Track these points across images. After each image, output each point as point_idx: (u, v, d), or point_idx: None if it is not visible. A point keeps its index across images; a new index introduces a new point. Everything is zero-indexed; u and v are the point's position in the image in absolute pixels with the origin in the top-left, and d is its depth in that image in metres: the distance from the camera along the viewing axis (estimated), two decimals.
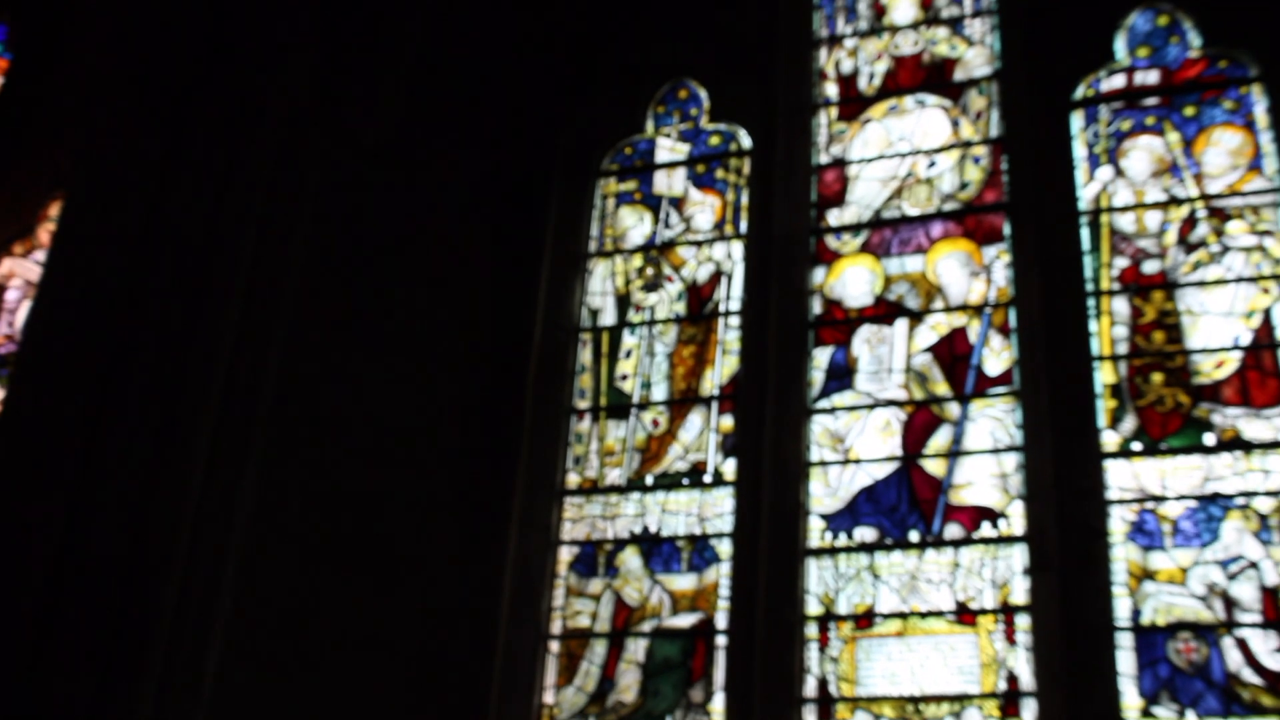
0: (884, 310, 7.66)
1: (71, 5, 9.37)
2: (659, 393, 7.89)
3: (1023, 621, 6.60)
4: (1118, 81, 7.84)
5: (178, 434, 7.07)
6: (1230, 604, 6.35)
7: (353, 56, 8.58)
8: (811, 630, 6.93)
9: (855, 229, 7.95)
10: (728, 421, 7.64)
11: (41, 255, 9.48)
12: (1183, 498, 6.63)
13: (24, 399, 7.44)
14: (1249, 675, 6.19)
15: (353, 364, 8.01)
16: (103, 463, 6.96)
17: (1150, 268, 7.26)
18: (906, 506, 7.09)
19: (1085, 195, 7.53)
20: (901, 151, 8.11)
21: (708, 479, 7.53)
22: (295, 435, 7.78)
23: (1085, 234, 7.40)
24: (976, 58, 8.27)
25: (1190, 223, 7.30)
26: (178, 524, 6.91)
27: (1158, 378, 6.95)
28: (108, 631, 6.65)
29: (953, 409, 7.26)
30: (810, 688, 6.80)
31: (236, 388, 7.37)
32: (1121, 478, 6.75)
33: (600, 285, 8.34)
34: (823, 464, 7.33)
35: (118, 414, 7.07)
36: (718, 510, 7.40)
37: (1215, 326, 7.00)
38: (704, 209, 8.38)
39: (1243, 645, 6.26)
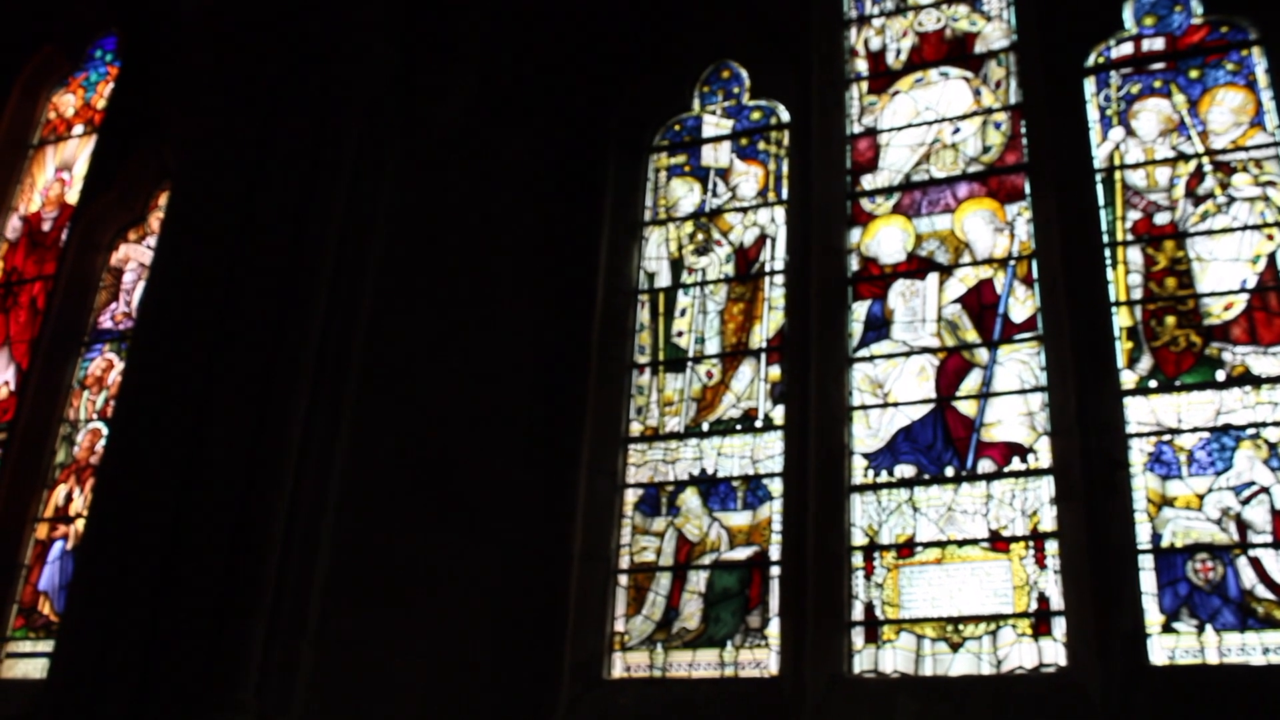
0: (916, 265, 7.52)
1: (173, 16, 9.31)
2: (712, 347, 7.80)
3: (1051, 547, 6.50)
4: (1126, 49, 7.66)
5: (278, 395, 7.07)
6: (1243, 526, 6.22)
7: (426, 52, 8.54)
8: (857, 560, 6.84)
9: (887, 192, 7.81)
10: (776, 371, 7.53)
11: (153, 240, 9.48)
12: (1197, 430, 6.49)
13: (141, 370, 7.44)
14: (1263, 591, 6.07)
15: (433, 329, 7.98)
16: (212, 426, 6.96)
17: (1161, 219, 7.09)
18: (942, 444, 6.97)
19: (1099, 154, 7.36)
20: (928, 120, 7.96)
21: (759, 424, 7.43)
22: (383, 395, 7.76)
23: (1100, 190, 7.24)
24: (994, 31, 8.10)
25: (1198, 176, 7.14)
26: (280, 480, 6.91)
27: (1171, 320, 6.80)
28: (222, 576, 6.68)
29: (982, 354, 7.13)
30: (858, 612, 6.73)
31: (329, 355, 7.37)
32: (1140, 413, 6.61)
33: (655, 251, 8.25)
34: (864, 408, 7.23)
35: (224, 381, 7.06)
36: (769, 452, 7.31)
37: (1223, 271, 6.84)
38: (748, 178, 8.26)
39: (1256, 564, 6.13)
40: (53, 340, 9.39)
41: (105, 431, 8.83)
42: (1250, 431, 6.38)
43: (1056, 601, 6.37)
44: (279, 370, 7.16)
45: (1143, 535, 6.32)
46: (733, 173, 8.32)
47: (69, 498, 8.89)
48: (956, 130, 7.85)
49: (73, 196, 10.09)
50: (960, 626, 6.50)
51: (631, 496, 7.51)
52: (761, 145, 8.32)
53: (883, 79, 8.24)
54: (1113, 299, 6.91)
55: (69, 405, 9.26)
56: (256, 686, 6.61)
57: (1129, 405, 6.63)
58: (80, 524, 8.55)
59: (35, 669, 8.21)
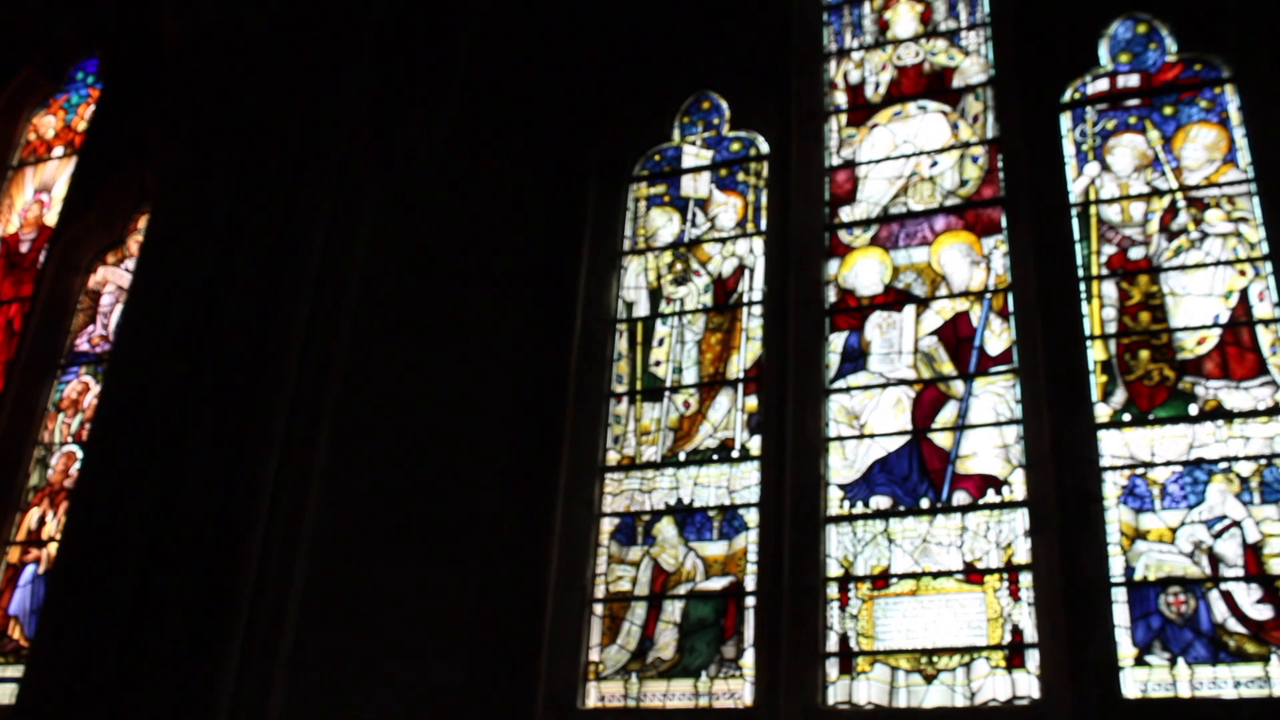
0: (893, 297, 7.56)
1: (155, 39, 9.29)
2: (689, 376, 7.82)
3: (1025, 579, 6.52)
4: (1102, 85, 7.74)
5: (255, 420, 7.02)
6: (1215, 560, 6.25)
7: (408, 80, 8.52)
8: (833, 591, 6.84)
9: (865, 224, 7.86)
10: (752, 402, 7.55)
11: (131, 263, 9.46)
12: (1170, 463, 6.53)
13: (117, 393, 7.39)
14: (1234, 625, 6.10)
15: (412, 356, 7.97)
16: (188, 450, 6.91)
17: (1136, 254, 7.15)
18: (917, 476, 7.00)
19: (1075, 189, 7.42)
20: (906, 153, 8.01)
21: (735, 454, 7.45)
22: (361, 422, 7.73)
23: (1075, 224, 7.31)
24: (972, 66, 8.17)
25: (1171, 212, 7.20)
26: (256, 505, 6.86)
27: (1145, 354, 6.84)
28: (196, 602, 6.62)
29: (958, 386, 7.16)
30: (833, 643, 6.72)
31: (307, 380, 7.32)
32: (1113, 446, 6.65)
33: (634, 280, 8.27)
34: (840, 439, 7.25)
35: (201, 405, 7.02)
36: (745, 483, 7.32)
37: (1196, 306, 6.90)
38: (727, 209, 8.30)
39: (1228, 597, 6.16)
40: (28, 362, 9.34)
41: (80, 455, 8.78)
42: (1222, 465, 6.42)
43: (1030, 634, 6.38)
44: (256, 394, 7.11)
45: (1116, 568, 6.35)
46: (712, 203, 8.36)
47: (42, 521, 8.84)
48: (934, 163, 7.90)
49: (51, 218, 10.05)
50: (934, 658, 6.51)
51: (608, 525, 7.51)
52: (741, 176, 8.36)
53: (861, 112, 8.29)
54: (1087, 333, 6.95)
55: (44, 428, 9.22)
56: (230, 711, 6.55)
57: (1103, 438, 6.67)
58: (53, 548, 8.50)
59: (4, 694, 8.15)
